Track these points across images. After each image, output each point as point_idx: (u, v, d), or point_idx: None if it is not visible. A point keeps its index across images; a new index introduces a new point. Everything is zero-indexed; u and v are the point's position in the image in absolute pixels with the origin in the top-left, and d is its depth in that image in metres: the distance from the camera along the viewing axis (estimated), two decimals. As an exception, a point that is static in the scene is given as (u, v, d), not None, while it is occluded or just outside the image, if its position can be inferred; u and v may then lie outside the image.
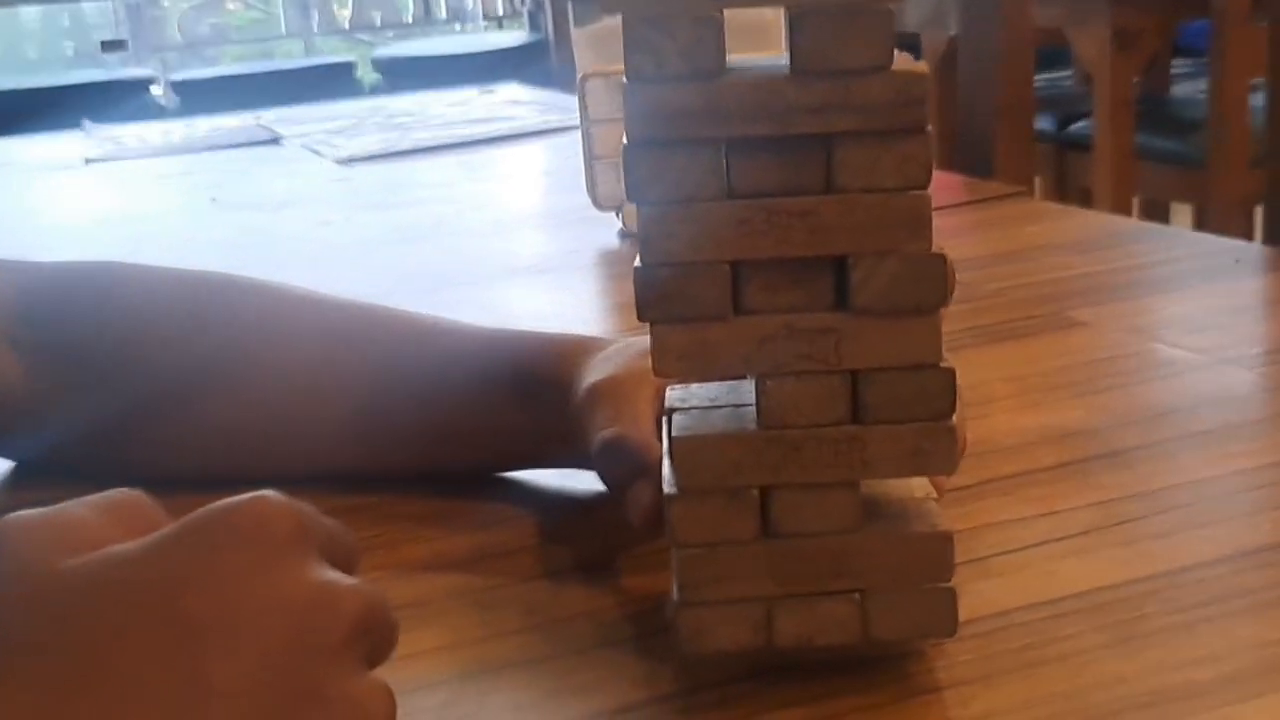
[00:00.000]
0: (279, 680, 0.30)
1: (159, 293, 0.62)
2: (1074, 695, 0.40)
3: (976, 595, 0.45)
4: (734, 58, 0.39)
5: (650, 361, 0.42)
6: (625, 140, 0.39)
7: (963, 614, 0.41)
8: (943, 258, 0.40)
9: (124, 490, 0.35)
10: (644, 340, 0.54)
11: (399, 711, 0.33)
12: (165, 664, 0.30)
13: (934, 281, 0.40)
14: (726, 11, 0.39)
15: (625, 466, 0.49)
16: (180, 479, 0.54)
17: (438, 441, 0.58)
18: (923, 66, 0.39)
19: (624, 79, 0.39)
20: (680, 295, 0.40)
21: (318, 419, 0.59)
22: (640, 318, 0.40)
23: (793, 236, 0.39)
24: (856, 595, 0.41)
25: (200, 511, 0.32)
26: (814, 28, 0.38)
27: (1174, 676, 0.41)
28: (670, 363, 0.40)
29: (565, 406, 0.53)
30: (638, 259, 0.40)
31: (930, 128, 0.39)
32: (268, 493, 0.33)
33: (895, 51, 0.39)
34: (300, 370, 0.60)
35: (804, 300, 0.40)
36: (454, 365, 0.59)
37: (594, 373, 0.53)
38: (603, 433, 0.50)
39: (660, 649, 0.44)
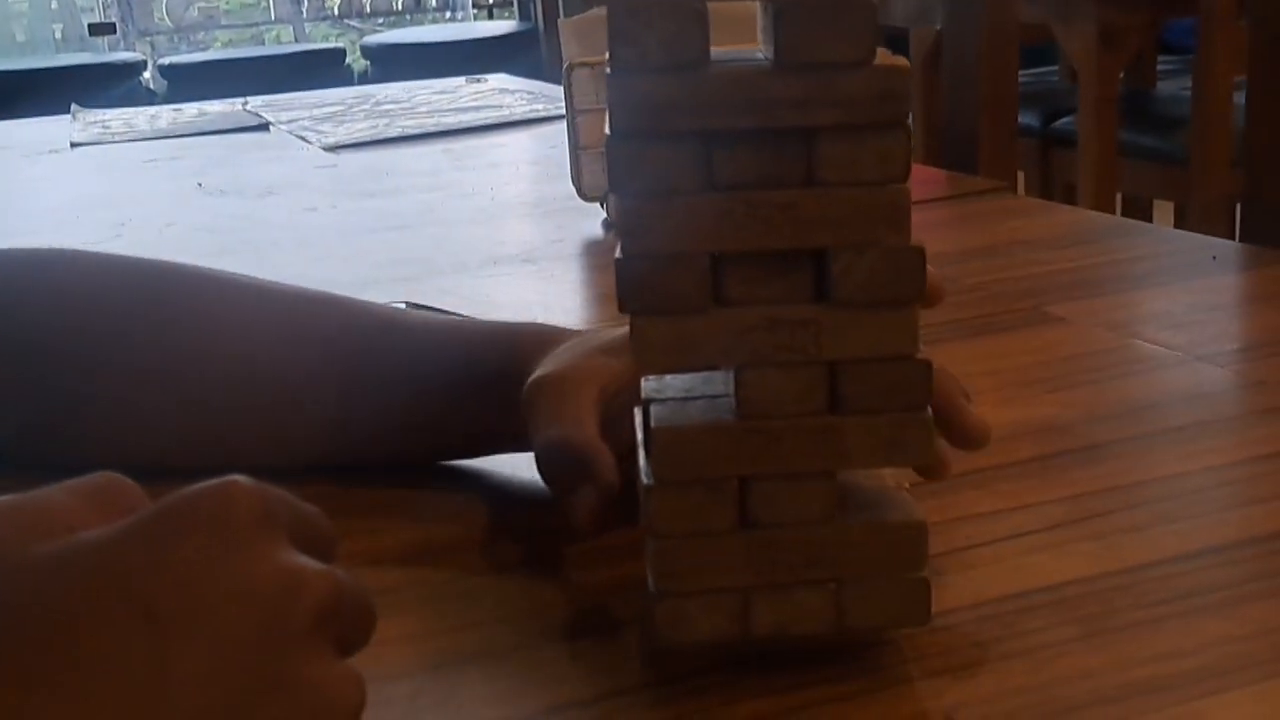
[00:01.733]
0: (243, 666, 0.30)
1: (117, 283, 0.62)
2: (1042, 688, 0.41)
3: (949, 587, 0.46)
4: (714, 50, 0.40)
5: (603, 358, 0.43)
6: (608, 131, 0.39)
7: (935, 605, 0.41)
8: (921, 250, 0.40)
9: (106, 474, 0.35)
10: (603, 334, 0.54)
11: (368, 699, 0.33)
12: (127, 650, 0.30)
13: (912, 274, 0.40)
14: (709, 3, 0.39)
15: (564, 469, 0.49)
16: (137, 469, 0.54)
17: (403, 431, 0.59)
18: (904, 61, 0.40)
19: (607, 70, 0.39)
20: (661, 287, 0.40)
21: (279, 410, 0.59)
22: (621, 309, 0.40)
23: (774, 229, 0.40)
24: (832, 585, 0.41)
25: (168, 497, 0.32)
26: (797, 21, 0.39)
27: (1141, 671, 0.41)
28: (650, 355, 0.41)
29: (518, 397, 0.53)
30: (618, 250, 0.40)
31: (910, 122, 0.40)
32: (236, 477, 0.33)
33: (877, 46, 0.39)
34: (261, 361, 0.60)
35: (784, 292, 0.41)
36: (417, 355, 0.59)
37: (541, 367, 0.53)
38: (542, 434, 0.50)
39: (631, 639, 0.44)
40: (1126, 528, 0.51)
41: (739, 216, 0.40)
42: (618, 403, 0.51)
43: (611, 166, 0.40)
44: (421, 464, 0.60)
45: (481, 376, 0.57)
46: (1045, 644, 0.43)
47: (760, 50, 0.41)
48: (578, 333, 0.56)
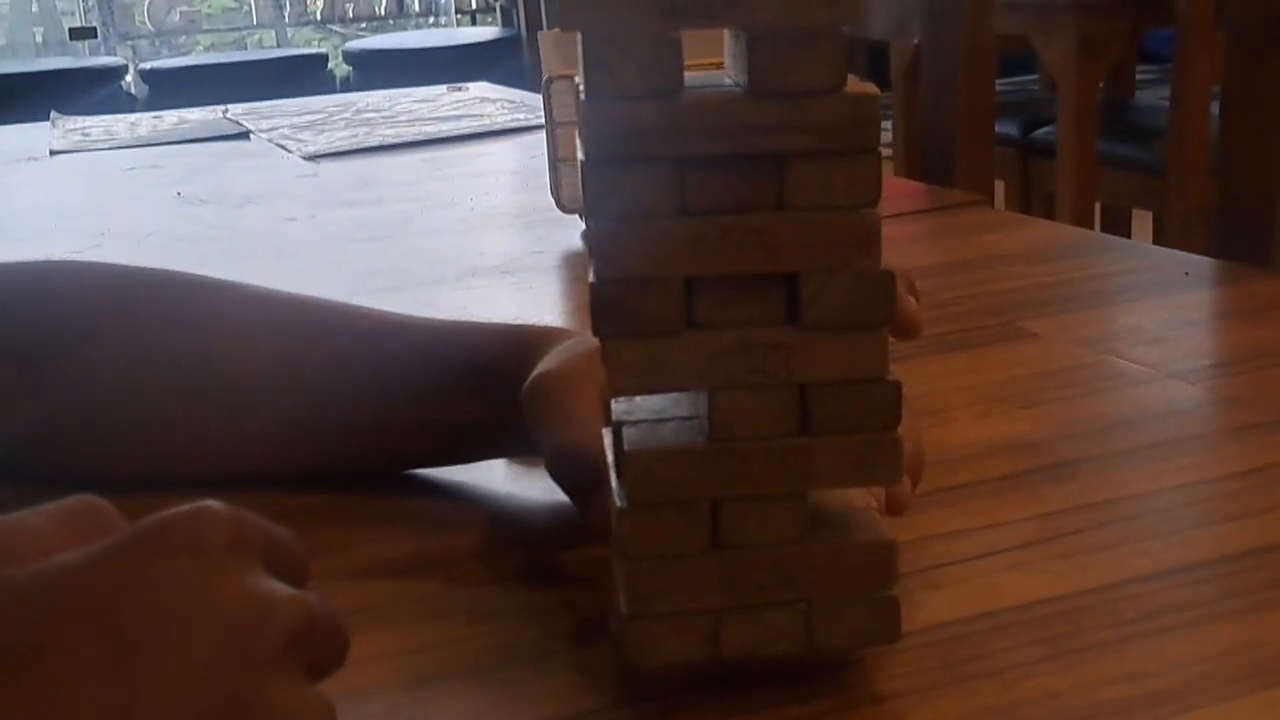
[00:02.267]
0: (211, 690, 0.30)
1: (106, 291, 0.62)
2: (1007, 709, 0.41)
3: (917, 606, 0.46)
4: (688, 75, 0.40)
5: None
6: (581, 157, 0.40)
7: (904, 625, 0.42)
8: (892, 274, 0.41)
9: (83, 497, 0.35)
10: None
11: (340, 718, 0.33)
12: (96, 674, 0.30)
13: (882, 297, 0.41)
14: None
15: (582, 475, 0.49)
16: (133, 480, 0.54)
17: (392, 434, 0.59)
18: (873, 88, 0.40)
19: (581, 96, 0.40)
20: (635, 311, 0.40)
21: (270, 417, 0.60)
22: (595, 333, 0.40)
23: (746, 253, 0.40)
24: (802, 605, 0.42)
25: (141, 521, 0.33)
26: (770, 50, 0.39)
27: (1106, 692, 0.42)
28: (623, 377, 0.41)
29: (517, 398, 0.53)
30: (592, 274, 0.40)
31: (880, 148, 0.40)
32: (209, 502, 0.33)
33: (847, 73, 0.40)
34: (251, 368, 0.60)
35: (756, 316, 0.41)
36: (406, 358, 0.59)
37: (544, 363, 0.53)
38: (556, 440, 0.50)
39: (605, 658, 0.45)
40: (1096, 546, 0.52)
41: (712, 241, 0.40)
42: None
43: (586, 192, 0.40)
44: (421, 467, 0.61)
45: (479, 375, 0.57)
46: (1013, 664, 0.43)
47: (729, 76, 0.42)
48: (574, 333, 0.57)
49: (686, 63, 0.40)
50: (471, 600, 0.50)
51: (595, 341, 0.54)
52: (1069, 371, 0.72)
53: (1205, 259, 0.94)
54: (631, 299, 0.40)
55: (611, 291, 0.40)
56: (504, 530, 0.56)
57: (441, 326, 0.61)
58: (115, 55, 5.33)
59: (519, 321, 0.81)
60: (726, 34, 0.42)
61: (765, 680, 0.43)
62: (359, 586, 0.52)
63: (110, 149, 1.71)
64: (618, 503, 0.42)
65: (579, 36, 0.40)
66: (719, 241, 0.40)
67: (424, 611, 0.50)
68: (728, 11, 0.39)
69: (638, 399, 0.44)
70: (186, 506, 0.33)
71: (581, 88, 0.40)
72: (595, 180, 0.40)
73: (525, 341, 0.57)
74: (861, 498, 0.44)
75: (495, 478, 0.60)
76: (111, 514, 0.35)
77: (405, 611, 0.50)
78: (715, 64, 0.45)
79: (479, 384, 0.57)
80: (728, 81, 0.41)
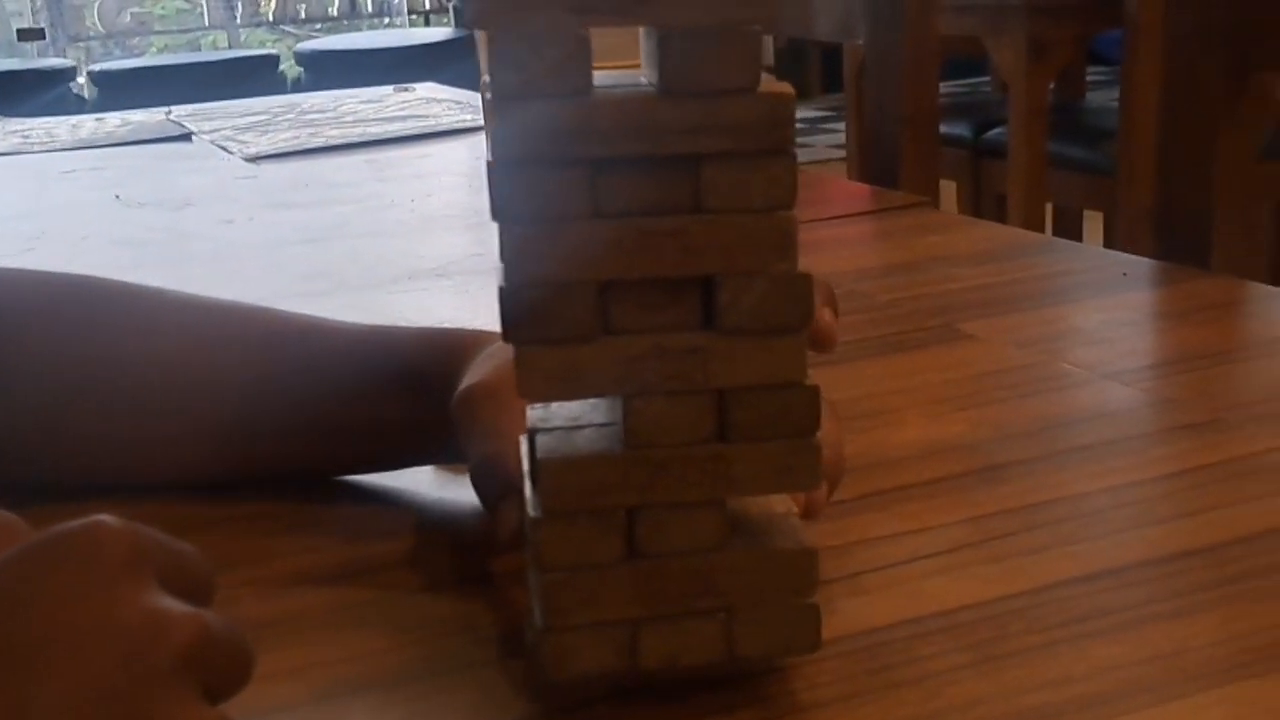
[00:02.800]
0: (102, 708, 0.30)
1: (21, 298, 0.61)
2: (931, 717, 0.40)
3: (842, 613, 0.45)
4: (600, 73, 0.39)
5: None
6: (489, 159, 0.39)
7: (827, 632, 0.41)
8: (809, 278, 0.40)
9: None
10: None
11: None
12: None
13: (800, 301, 0.40)
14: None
15: (498, 485, 0.48)
16: (56, 488, 0.53)
17: (318, 439, 0.58)
18: (788, 88, 0.39)
19: (488, 95, 0.39)
20: (548, 317, 0.39)
21: (193, 423, 0.59)
22: (506, 339, 0.39)
23: (662, 256, 0.39)
24: (722, 614, 0.41)
25: (35, 536, 0.32)
26: (683, 49, 0.38)
27: (1030, 698, 0.41)
28: (537, 384, 0.40)
29: (446, 403, 0.52)
30: (501, 279, 0.39)
31: (795, 149, 0.40)
32: (104, 517, 0.32)
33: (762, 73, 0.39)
34: (173, 374, 0.59)
35: (672, 320, 0.40)
36: (332, 361, 0.58)
37: (472, 373, 0.53)
38: (479, 452, 0.50)
39: (526, 669, 0.44)
40: (1026, 550, 0.51)
41: (627, 244, 0.39)
42: None
43: (495, 194, 0.39)
44: (349, 473, 0.60)
45: (406, 380, 0.57)
46: (936, 671, 0.43)
47: (643, 75, 0.41)
48: (498, 336, 0.56)
49: (603, 65, 0.39)
50: (393, 611, 0.49)
51: None
52: (1007, 373, 0.72)
53: (1144, 260, 0.94)
54: (545, 305, 0.39)
55: (523, 297, 0.39)
56: (431, 538, 0.55)
57: (367, 331, 0.60)
58: (65, 57, 5.27)
59: (453, 325, 0.80)
60: (641, 33, 0.41)
61: (685, 691, 0.42)
62: (278, 598, 0.50)
63: (50, 151, 1.68)
64: (532, 512, 0.41)
65: (485, 35, 0.39)
66: (634, 245, 0.39)
67: (343, 623, 0.49)
68: (640, 8, 0.38)
69: (553, 406, 0.43)
70: (81, 521, 0.32)
71: (489, 84, 0.39)
72: (504, 182, 0.39)
73: (453, 345, 0.56)
74: (782, 504, 0.43)
75: (424, 484, 0.59)
76: (16, 526, 0.34)
77: (323, 623, 0.49)
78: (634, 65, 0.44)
79: (405, 388, 0.56)
80: (641, 81, 0.40)
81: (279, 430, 0.58)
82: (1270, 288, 0.85)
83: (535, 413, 0.43)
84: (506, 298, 0.39)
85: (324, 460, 0.59)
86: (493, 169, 0.39)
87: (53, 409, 0.59)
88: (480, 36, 1.00)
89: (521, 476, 0.47)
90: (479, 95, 1.85)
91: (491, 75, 0.38)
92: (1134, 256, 0.96)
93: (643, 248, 0.39)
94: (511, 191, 0.39)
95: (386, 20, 5.81)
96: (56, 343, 0.60)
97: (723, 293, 0.40)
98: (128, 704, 0.30)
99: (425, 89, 1.99)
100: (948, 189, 2.24)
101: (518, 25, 0.38)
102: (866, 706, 0.41)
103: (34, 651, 0.30)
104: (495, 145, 0.39)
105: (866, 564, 0.50)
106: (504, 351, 0.53)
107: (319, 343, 0.59)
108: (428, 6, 5.64)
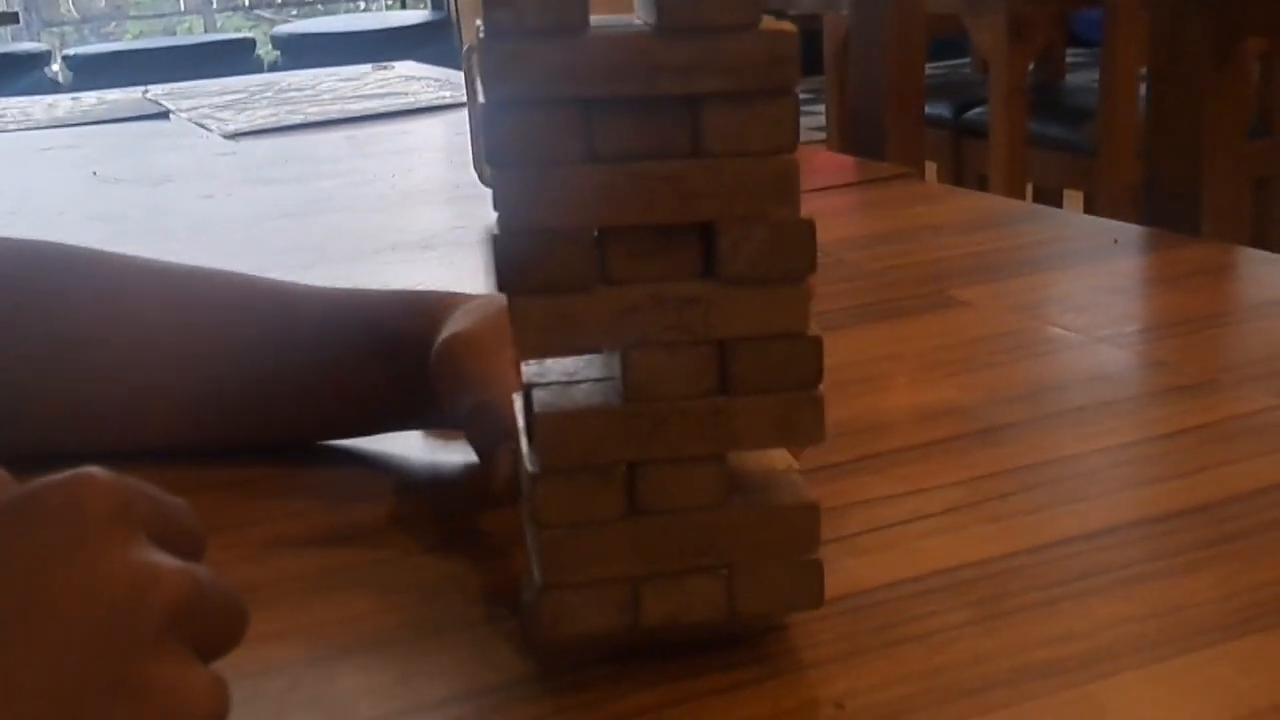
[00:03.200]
0: (87, 671, 0.28)
1: (6, 268, 0.60)
2: (934, 674, 0.40)
3: (842, 573, 0.45)
4: (595, 17, 0.38)
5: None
6: (480, 100, 0.38)
7: (828, 592, 0.40)
8: (812, 224, 0.39)
9: None
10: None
11: (239, 695, 0.31)
12: None
13: (802, 249, 0.39)
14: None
15: (496, 432, 0.47)
16: (36, 455, 0.52)
17: (298, 404, 0.57)
18: (790, 26, 0.38)
19: (480, 34, 0.38)
20: (542, 265, 0.38)
21: (173, 390, 0.57)
22: (499, 289, 0.38)
23: (659, 202, 0.38)
24: (724, 571, 0.40)
25: (17, 491, 0.30)
26: (680, -15, 0.37)
27: (1034, 654, 0.40)
28: (531, 336, 0.39)
29: (424, 363, 0.51)
30: (494, 226, 0.38)
31: (798, 90, 0.39)
32: (91, 469, 0.31)
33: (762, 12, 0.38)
34: (151, 341, 0.58)
35: (670, 269, 0.39)
36: (307, 325, 0.57)
37: (452, 325, 0.52)
38: (470, 399, 0.48)
39: (519, 630, 0.43)
40: (1023, 510, 0.50)
41: (622, 189, 0.38)
42: None
43: (486, 136, 0.38)
44: (328, 438, 0.59)
45: (381, 341, 0.56)
46: (938, 629, 0.42)
47: (638, 17, 0.40)
48: (476, 297, 0.55)
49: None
50: (382, 573, 0.48)
51: (503, 300, 0.52)
52: (999, 338, 0.71)
53: (1134, 227, 0.94)
54: (538, 253, 0.38)
55: (516, 244, 0.38)
56: (419, 501, 0.54)
57: (341, 294, 0.59)
58: (40, 41, 5.23)
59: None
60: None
61: (686, 649, 0.41)
62: (264, 561, 0.49)
63: (26, 130, 1.66)
64: (529, 468, 0.40)
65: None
66: (630, 190, 0.38)
67: (332, 586, 0.48)
68: (636, -55, 0.37)
69: (549, 360, 0.42)
70: (65, 473, 0.31)
71: (481, 26, 0.38)
72: (496, 124, 0.38)
73: (426, 306, 0.55)
74: (782, 459, 0.42)
75: (411, 449, 0.58)
76: (1, 478, 0.33)
77: (312, 586, 0.48)
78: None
79: (381, 350, 0.55)
80: (637, 21, 0.39)
81: (256, 396, 0.57)
82: (1259, 252, 0.85)
83: (530, 368, 0.42)
84: (499, 246, 0.38)
85: (303, 426, 0.58)
86: (484, 110, 0.38)
87: (24, 380, 0.58)
88: (464, 6, 0.99)
89: (516, 423, 0.46)
90: (457, 73, 1.84)
91: (485, 11, 0.37)
92: (1123, 224, 0.95)
93: (639, 193, 0.38)
94: (503, 134, 0.38)
95: (363, 4, 5.77)
96: (25, 314, 0.58)
97: (722, 240, 0.39)
98: (115, 667, 0.29)
99: (404, 67, 1.97)
100: (929, 169, 2.24)
101: (512, -39, 0.37)
102: (869, 664, 0.40)
103: (11, 618, 0.28)
104: (486, 86, 0.38)
105: (865, 525, 0.49)
106: (483, 307, 0.52)
107: (292, 307, 0.58)
108: (404, -11, 5.61)
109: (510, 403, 0.47)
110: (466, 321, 0.51)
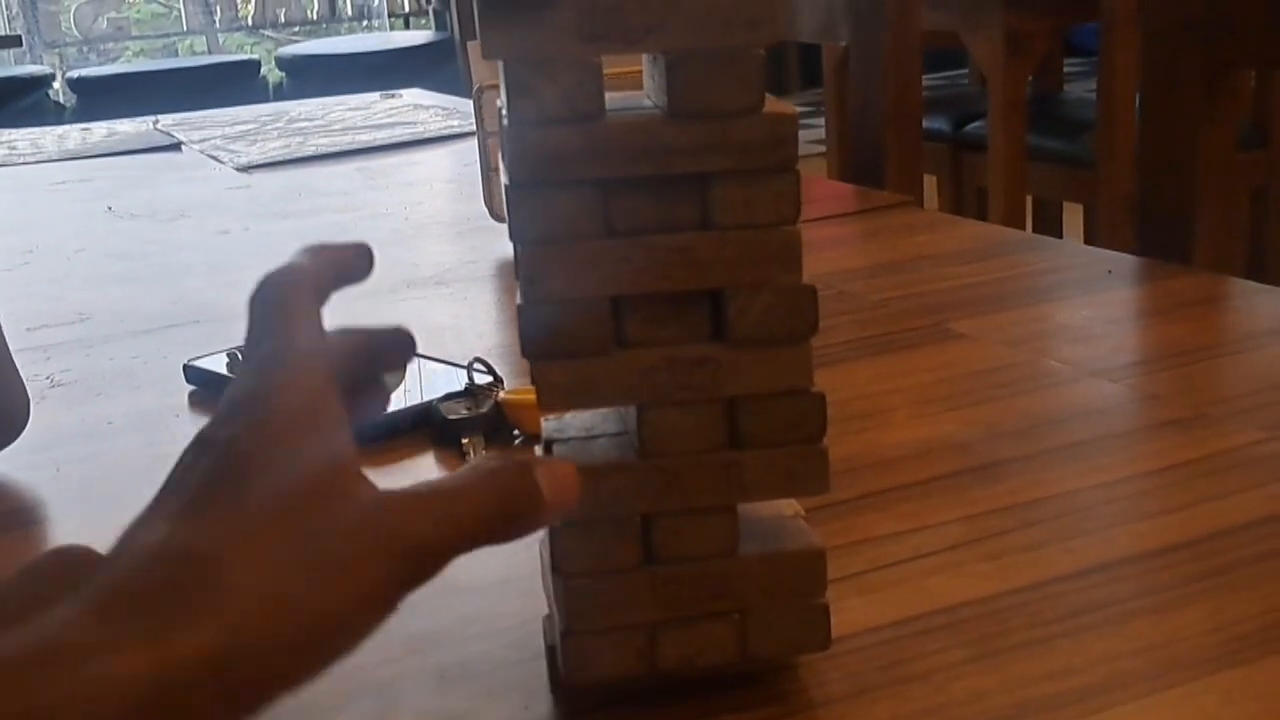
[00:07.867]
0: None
1: None
2: (938, 711, 0.42)
3: (849, 612, 0.47)
4: (608, 94, 0.41)
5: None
6: (505, 182, 0.40)
7: (836, 631, 0.43)
8: (813, 289, 0.42)
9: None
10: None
11: None
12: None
13: (805, 312, 0.42)
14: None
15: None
16: None
17: None
18: (791, 108, 0.41)
19: (504, 122, 0.40)
20: (563, 332, 0.41)
21: None
22: (525, 355, 0.41)
23: (672, 272, 0.41)
24: (736, 615, 0.42)
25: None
26: (690, 72, 0.40)
27: (1032, 690, 0.43)
28: (553, 396, 0.42)
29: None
30: (520, 296, 0.41)
31: (799, 167, 0.41)
32: None
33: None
34: None
35: (683, 333, 0.42)
36: None
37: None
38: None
39: (536, 673, 0.45)
40: (1022, 546, 0.53)
41: (637, 261, 0.41)
42: None
43: (511, 216, 0.41)
44: None
45: None
46: (941, 666, 0.44)
47: (649, 97, 0.43)
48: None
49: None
50: (409, 615, 0.50)
51: None
52: (997, 372, 0.73)
53: (1128, 257, 0.96)
54: (560, 321, 0.41)
55: (540, 313, 0.41)
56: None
57: None
58: (41, 64, 5.26)
59: (454, 334, 0.81)
60: (645, 58, 0.43)
61: (700, 689, 0.43)
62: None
63: (38, 163, 1.69)
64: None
65: (476, 47, 0.40)
66: (644, 261, 0.41)
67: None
68: (648, 36, 0.40)
69: (568, 416, 0.45)
70: None
71: (504, 112, 0.40)
72: (520, 204, 0.40)
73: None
74: (790, 506, 0.45)
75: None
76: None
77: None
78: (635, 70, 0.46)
79: None
80: (647, 103, 0.42)
81: None
82: (1250, 283, 0.87)
83: (551, 424, 0.44)
84: (525, 314, 0.41)
85: None
86: (509, 192, 0.40)
87: None
88: (470, 46, 1.01)
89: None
90: (464, 101, 1.86)
91: (507, 102, 0.40)
92: (1117, 253, 0.98)
93: (653, 264, 0.41)
94: (527, 213, 0.40)
95: (366, 23, 5.80)
96: None
97: (731, 305, 0.41)
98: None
99: (411, 95, 2.00)
100: (928, 183, 2.26)
101: (532, 55, 0.39)
102: (877, 702, 0.43)
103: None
104: (510, 169, 0.40)
105: (870, 563, 0.51)
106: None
107: None
108: (407, 9, 5.64)
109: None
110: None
